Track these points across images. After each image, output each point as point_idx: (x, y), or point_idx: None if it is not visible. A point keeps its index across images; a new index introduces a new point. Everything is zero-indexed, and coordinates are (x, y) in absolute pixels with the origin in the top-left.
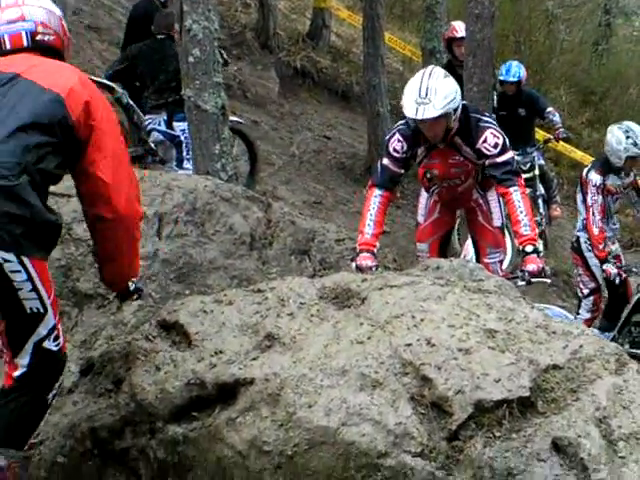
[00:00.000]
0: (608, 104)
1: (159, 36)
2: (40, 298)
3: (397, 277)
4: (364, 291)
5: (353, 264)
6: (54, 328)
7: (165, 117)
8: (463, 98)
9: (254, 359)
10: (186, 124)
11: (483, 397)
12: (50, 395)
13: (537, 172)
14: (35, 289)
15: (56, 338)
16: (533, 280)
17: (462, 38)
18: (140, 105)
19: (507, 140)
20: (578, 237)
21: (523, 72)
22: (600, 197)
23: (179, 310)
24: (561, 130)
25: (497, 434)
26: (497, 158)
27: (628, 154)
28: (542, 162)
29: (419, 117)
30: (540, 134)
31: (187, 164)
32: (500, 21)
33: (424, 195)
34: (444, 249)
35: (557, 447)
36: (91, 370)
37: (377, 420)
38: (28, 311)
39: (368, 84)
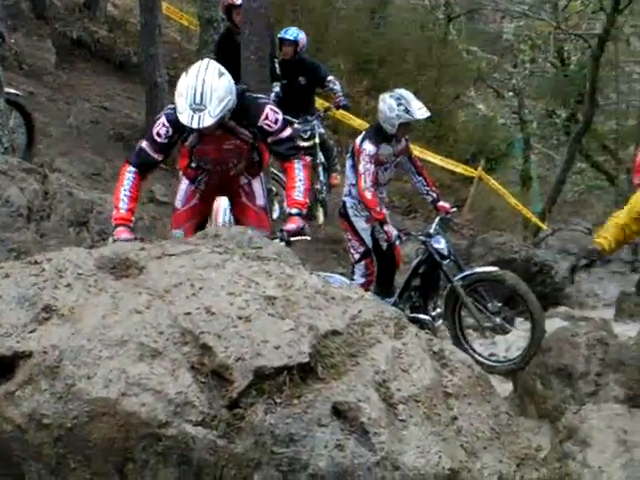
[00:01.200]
0: (385, 72)
1: None
2: None
3: (176, 246)
4: (142, 260)
5: (110, 239)
6: None
7: None
8: (240, 67)
9: (32, 331)
10: None
11: (263, 364)
12: None
13: (317, 140)
14: None
15: None
16: (292, 239)
17: (240, 5)
18: None
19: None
20: (345, 202)
21: (302, 36)
22: (372, 166)
23: None
24: (341, 98)
25: (278, 400)
26: (280, 134)
27: (400, 121)
28: (322, 130)
29: (195, 126)
30: (319, 102)
31: None
32: None
33: (185, 181)
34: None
35: (337, 412)
36: None
37: (157, 390)
38: None
39: (145, 54)
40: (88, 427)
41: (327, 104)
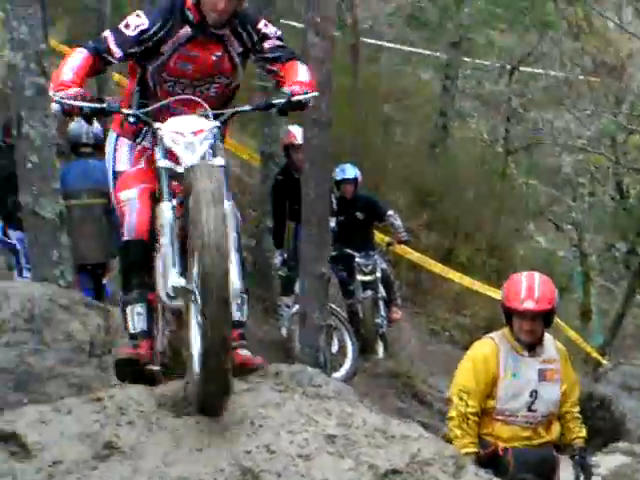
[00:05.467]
0: (445, 206)
1: None
2: None
3: (236, 384)
4: None
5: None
6: None
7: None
8: (301, 202)
9: (93, 469)
10: (22, 233)
11: None
12: None
13: (379, 275)
14: None
15: None
16: (293, 99)
17: (301, 145)
18: None
19: None
20: None
21: (358, 172)
22: None
23: (17, 420)
24: (403, 234)
25: None
26: (277, 41)
27: None
28: (384, 266)
29: None
30: (379, 237)
31: (26, 273)
32: (336, 124)
33: (125, 144)
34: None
35: None
36: None
37: None
38: None
39: None
40: None
41: (387, 238)
